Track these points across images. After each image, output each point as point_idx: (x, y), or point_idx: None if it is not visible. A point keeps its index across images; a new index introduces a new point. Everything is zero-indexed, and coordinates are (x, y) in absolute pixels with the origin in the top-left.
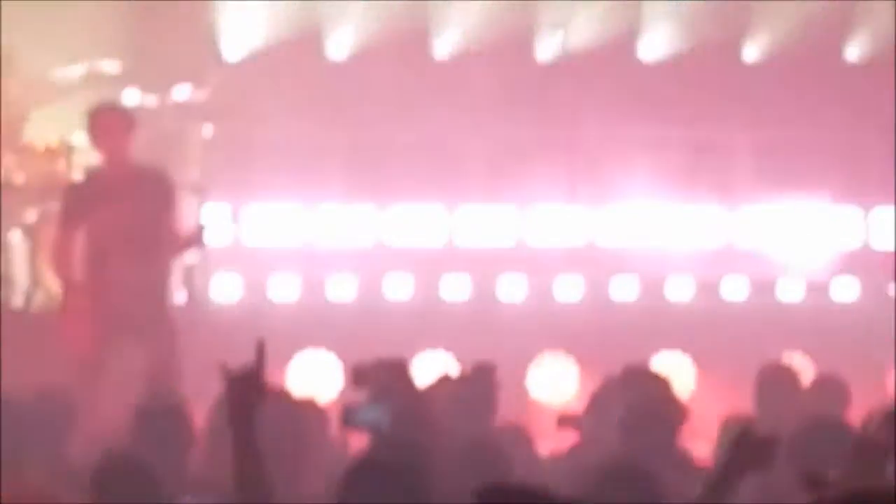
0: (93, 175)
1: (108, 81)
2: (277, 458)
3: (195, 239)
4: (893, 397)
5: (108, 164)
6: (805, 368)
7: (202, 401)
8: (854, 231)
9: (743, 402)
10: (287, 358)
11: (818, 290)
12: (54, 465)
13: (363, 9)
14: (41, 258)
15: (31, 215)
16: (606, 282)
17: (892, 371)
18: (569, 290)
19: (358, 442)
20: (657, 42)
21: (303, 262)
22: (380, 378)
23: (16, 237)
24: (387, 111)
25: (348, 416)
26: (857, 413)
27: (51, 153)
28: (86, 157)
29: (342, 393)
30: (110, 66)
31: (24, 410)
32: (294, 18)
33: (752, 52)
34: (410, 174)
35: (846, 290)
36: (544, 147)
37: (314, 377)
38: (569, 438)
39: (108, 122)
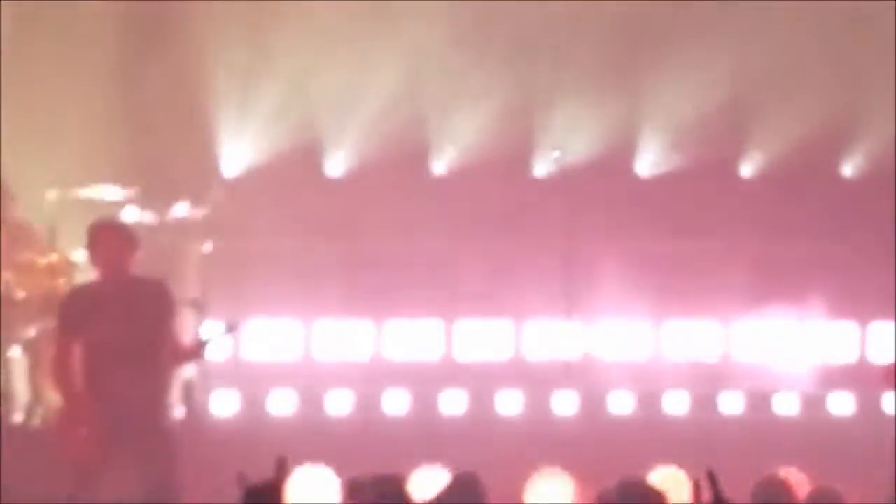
0: (91, 287)
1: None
2: None
3: (195, 353)
4: None
5: (107, 277)
6: (801, 482)
7: None
8: (850, 346)
9: None
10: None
11: (814, 404)
12: None
13: (361, 125)
14: (41, 374)
15: (31, 331)
16: (603, 395)
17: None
18: (565, 403)
19: None
20: (654, 158)
21: (301, 377)
22: (376, 493)
23: (16, 352)
24: (385, 226)
25: None
26: None
27: (52, 269)
28: (86, 273)
29: None
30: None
31: None
32: (293, 134)
33: (748, 167)
34: (408, 289)
35: (842, 405)
36: (541, 262)
37: (312, 491)
38: None
39: (108, 238)
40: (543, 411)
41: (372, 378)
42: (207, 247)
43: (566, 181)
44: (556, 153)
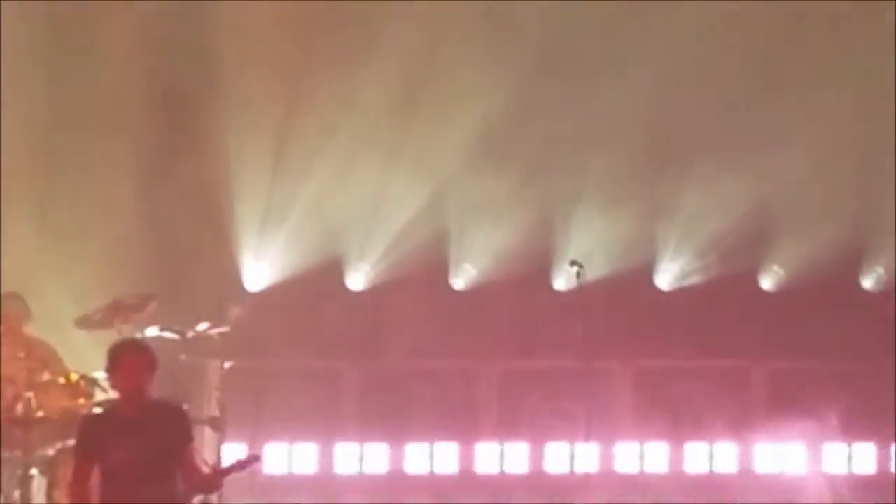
0: (110, 409)
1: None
2: None
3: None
4: None
5: (126, 399)
6: None
7: None
8: (869, 464)
9: None
10: None
11: None
12: None
13: (382, 241)
14: (60, 494)
15: (50, 451)
16: None
17: None
18: None
19: None
20: (674, 271)
21: (319, 490)
22: None
23: (35, 471)
24: (405, 344)
25: None
26: None
27: (71, 388)
28: (105, 392)
29: None
30: (131, 301)
31: None
32: (315, 250)
33: (768, 281)
34: (427, 411)
35: None
36: (560, 378)
37: None
38: None
39: (127, 360)
40: None
41: (390, 492)
42: (227, 365)
43: (586, 296)
44: (576, 267)
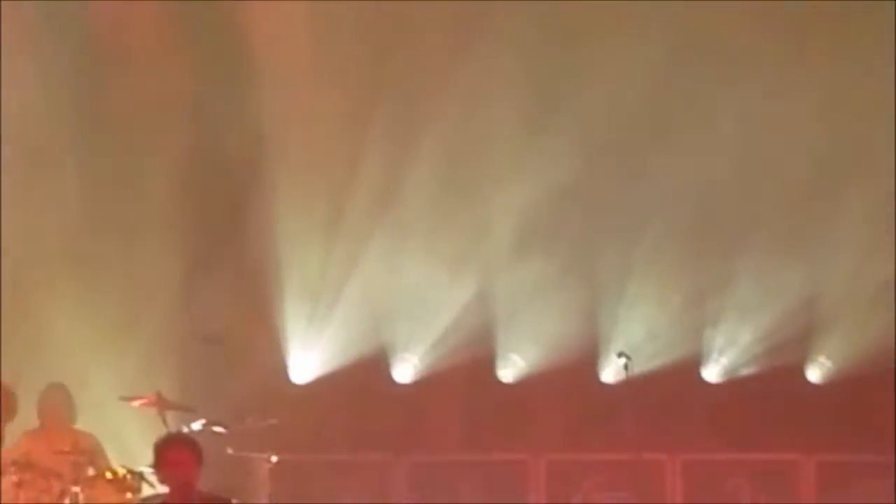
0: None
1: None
2: None
3: None
4: None
5: (174, 494)
6: None
7: None
8: None
9: None
10: None
11: None
12: None
13: (430, 332)
14: None
15: None
16: None
17: None
18: None
19: None
20: (722, 364)
21: None
22: None
23: None
24: (452, 437)
25: None
26: None
27: (118, 483)
28: (153, 487)
29: None
30: (178, 395)
31: None
32: (362, 342)
33: (815, 372)
34: (475, 499)
35: None
36: (609, 470)
37: None
38: None
39: (173, 454)
40: None
41: None
42: (274, 458)
43: (634, 387)
44: (623, 359)
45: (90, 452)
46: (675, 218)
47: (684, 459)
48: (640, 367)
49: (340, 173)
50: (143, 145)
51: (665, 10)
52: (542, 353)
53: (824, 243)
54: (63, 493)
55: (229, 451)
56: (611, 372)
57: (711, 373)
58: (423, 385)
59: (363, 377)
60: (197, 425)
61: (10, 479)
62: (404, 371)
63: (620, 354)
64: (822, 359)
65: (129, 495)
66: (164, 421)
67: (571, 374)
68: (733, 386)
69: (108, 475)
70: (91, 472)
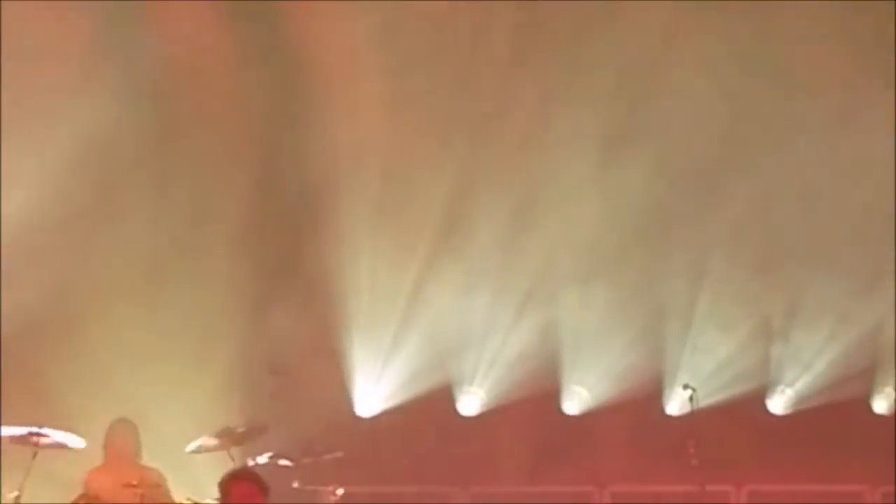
0: None
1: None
2: None
3: None
4: None
5: None
6: None
7: None
8: None
9: None
10: None
11: None
12: None
13: (495, 365)
14: None
15: None
16: None
17: None
18: None
19: None
20: (787, 396)
21: None
22: None
23: None
24: (517, 469)
25: None
26: None
27: None
28: None
29: None
30: (241, 430)
31: None
32: (427, 374)
33: (881, 405)
34: None
35: None
36: (674, 502)
37: None
38: None
39: (240, 489)
40: None
41: None
42: (340, 491)
43: (698, 419)
44: (688, 391)
45: (156, 486)
46: (741, 249)
47: (750, 490)
48: (705, 399)
49: (409, 207)
50: (213, 179)
51: (743, 43)
52: (608, 385)
53: (892, 275)
54: None
55: (295, 484)
56: (676, 404)
57: (777, 404)
58: (489, 417)
59: (429, 410)
60: (263, 458)
61: None
62: (470, 404)
63: (686, 386)
64: (888, 390)
65: None
66: (231, 455)
67: (636, 406)
68: (799, 417)
69: None
70: None
